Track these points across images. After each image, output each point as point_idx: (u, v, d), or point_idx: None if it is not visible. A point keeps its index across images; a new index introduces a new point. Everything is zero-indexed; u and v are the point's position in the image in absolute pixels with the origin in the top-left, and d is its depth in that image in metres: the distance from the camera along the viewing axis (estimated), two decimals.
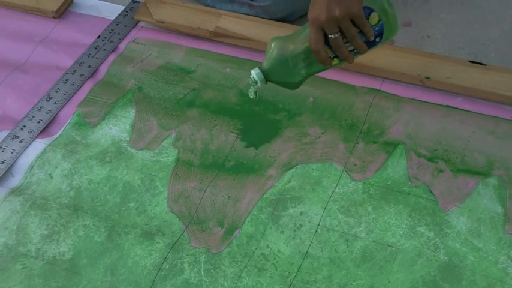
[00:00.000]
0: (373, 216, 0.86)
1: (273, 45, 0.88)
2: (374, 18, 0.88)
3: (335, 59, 0.89)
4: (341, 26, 0.86)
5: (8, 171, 0.97)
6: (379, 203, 0.87)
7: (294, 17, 1.37)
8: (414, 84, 1.01)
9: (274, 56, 0.88)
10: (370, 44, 0.90)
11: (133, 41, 1.13)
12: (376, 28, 0.88)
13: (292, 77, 0.89)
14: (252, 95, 0.91)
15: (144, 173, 0.94)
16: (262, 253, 0.85)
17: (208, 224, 0.88)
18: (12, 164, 0.97)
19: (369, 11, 0.88)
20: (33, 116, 1.03)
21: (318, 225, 0.86)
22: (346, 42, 0.88)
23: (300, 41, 0.88)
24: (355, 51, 0.89)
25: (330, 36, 0.86)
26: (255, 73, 0.88)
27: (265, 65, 0.88)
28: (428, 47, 1.26)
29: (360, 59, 1.01)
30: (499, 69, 0.99)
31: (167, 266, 0.85)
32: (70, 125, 1.02)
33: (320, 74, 1.03)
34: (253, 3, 1.31)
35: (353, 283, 0.81)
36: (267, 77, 0.88)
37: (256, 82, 0.88)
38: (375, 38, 0.89)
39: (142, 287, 0.83)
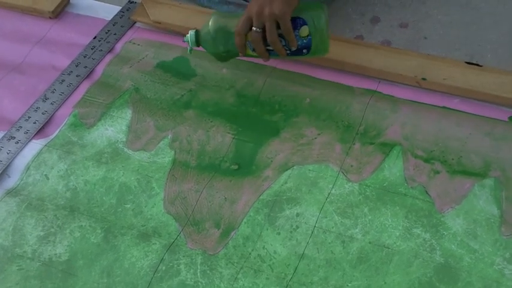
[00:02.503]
0: (370, 217, 0.86)
1: (212, 16, 0.97)
2: (304, 31, 0.95)
3: (253, 51, 0.98)
4: (266, 24, 0.91)
5: (4, 172, 0.96)
6: (376, 204, 0.87)
7: None
8: (411, 85, 1.01)
9: (207, 26, 0.97)
10: (295, 53, 0.95)
11: (130, 42, 1.13)
12: (304, 41, 0.95)
13: (216, 49, 0.98)
14: (188, 51, 1.00)
15: (140, 174, 0.94)
16: (258, 254, 0.85)
17: (205, 225, 0.88)
18: (8, 164, 0.97)
19: (301, 22, 0.94)
20: (29, 117, 1.03)
21: (314, 226, 0.86)
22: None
23: (233, 21, 0.96)
24: (274, 51, 0.97)
25: (253, 28, 0.94)
26: (189, 35, 0.98)
27: (201, 31, 0.98)
28: (425, 48, 1.26)
29: (357, 59, 1.02)
30: (496, 71, 0.99)
31: (163, 268, 0.85)
32: (66, 126, 1.02)
33: (317, 75, 1.04)
34: None
35: (349, 284, 0.81)
36: (198, 41, 0.98)
37: (187, 41, 0.99)
38: (302, 49, 0.95)
39: None
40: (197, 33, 0.98)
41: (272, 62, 1.06)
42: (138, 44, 1.13)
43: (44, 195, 0.94)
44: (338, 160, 0.93)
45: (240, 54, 0.98)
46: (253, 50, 0.97)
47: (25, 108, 1.04)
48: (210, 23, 0.97)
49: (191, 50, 1.00)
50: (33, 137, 1.00)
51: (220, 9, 1.22)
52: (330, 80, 1.03)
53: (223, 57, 1.00)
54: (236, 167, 0.93)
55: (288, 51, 0.97)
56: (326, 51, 0.98)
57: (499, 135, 0.93)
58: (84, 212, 0.91)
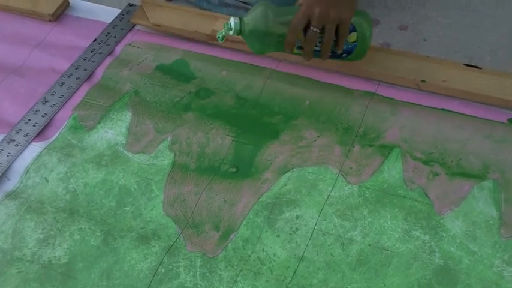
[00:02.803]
0: (369, 219, 0.86)
1: (260, 7, 0.94)
2: (353, 37, 0.95)
3: (298, 48, 0.96)
4: (326, 25, 0.90)
5: (4, 174, 0.96)
6: (375, 206, 0.88)
7: None
8: (410, 87, 1.01)
9: (256, 17, 0.94)
10: (336, 56, 0.95)
11: (130, 45, 1.13)
12: (349, 46, 0.95)
13: (259, 42, 0.96)
14: (220, 39, 0.96)
15: (140, 176, 0.94)
16: (258, 257, 0.85)
17: (204, 228, 0.88)
18: (8, 167, 0.97)
19: (351, 29, 0.93)
20: (29, 120, 1.03)
21: (314, 228, 0.86)
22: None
23: (283, 17, 0.94)
24: (318, 51, 0.92)
25: (311, 27, 0.91)
26: (234, 21, 0.94)
27: (246, 20, 0.94)
28: (424, 50, 1.26)
29: (357, 62, 1.02)
30: (495, 73, 1.00)
31: (163, 270, 0.85)
32: (66, 129, 1.02)
33: (316, 77, 1.04)
34: (249, 7, 1.32)
35: (348, 287, 0.81)
36: (241, 30, 0.94)
37: (230, 29, 0.95)
38: (343, 53, 0.94)
39: None
40: (241, 21, 0.95)
41: (272, 64, 1.06)
42: (138, 47, 1.13)
43: (43, 198, 0.94)
44: (337, 162, 0.93)
45: (286, 51, 0.96)
46: (299, 47, 0.96)
47: (25, 111, 1.04)
48: (258, 15, 0.94)
49: (224, 37, 0.96)
50: (32, 140, 1.00)
51: (219, 12, 1.22)
52: (330, 82, 1.03)
53: (264, 51, 0.98)
54: (234, 169, 0.93)
55: (330, 54, 0.97)
56: (362, 57, 0.98)
57: (498, 137, 0.93)
58: (84, 215, 0.91)
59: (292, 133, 0.97)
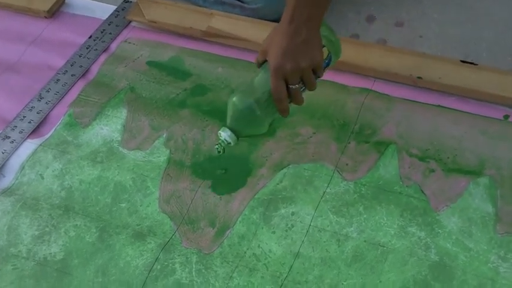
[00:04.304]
0: (365, 216, 0.86)
1: (235, 100, 0.87)
2: (324, 53, 0.89)
3: (290, 103, 0.90)
4: (303, 76, 0.86)
5: None
6: (371, 202, 0.87)
7: None
8: (406, 84, 1.01)
9: (241, 111, 0.86)
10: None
11: (125, 41, 1.13)
12: (326, 61, 0.91)
13: (262, 126, 0.88)
14: (220, 152, 0.88)
15: (135, 173, 0.94)
16: (253, 253, 0.85)
17: (200, 224, 0.88)
18: (3, 164, 0.97)
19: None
20: (24, 116, 1.02)
21: (310, 225, 0.86)
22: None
23: (259, 90, 0.87)
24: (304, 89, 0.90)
25: (291, 86, 0.86)
26: (226, 135, 0.86)
27: (234, 123, 0.87)
28: (420, 46, 1.26)
29: (352, 58, 1.02)
30: (491, 69, 0.99)
31: (158, 267, 0.84)
32: (61, 125, 1.02)
33: None
34: (245, 5, 1.31)
35: (344, 283, 0.81)
36: (237, 134, 0.87)
37: (229, 143, 0.87)
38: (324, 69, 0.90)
39: None
40: (231, 128, 0.87)
41: None
42: (134, 44, 1.13)
43: (38, 194, 0.93)
44: (333, 159, 0.93)
45: (285, 116, 0.90)
46: (290, 102, 0.89)
47: (20, 107, 1.04)
48: (240, 108, 0.86)
49: (224, 150, 0.88)
50: (28, 137, 1.00)
51: (215, 9, 1.22)
52: (325, 79, 1.03)
53: (265, 129, 0.90)
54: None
55: None
56: (340, 52, 0.94)
57: (494, 133, 0.93)
58: (79, 211, 0.91)
59: (287, 130, 0.97)
